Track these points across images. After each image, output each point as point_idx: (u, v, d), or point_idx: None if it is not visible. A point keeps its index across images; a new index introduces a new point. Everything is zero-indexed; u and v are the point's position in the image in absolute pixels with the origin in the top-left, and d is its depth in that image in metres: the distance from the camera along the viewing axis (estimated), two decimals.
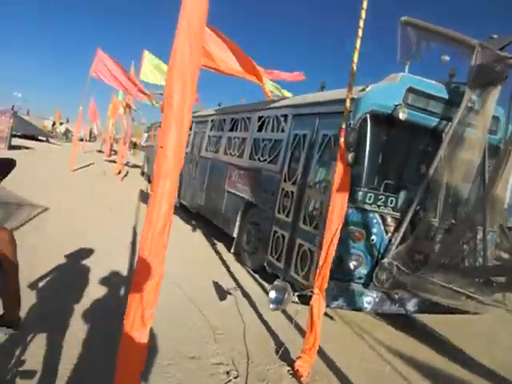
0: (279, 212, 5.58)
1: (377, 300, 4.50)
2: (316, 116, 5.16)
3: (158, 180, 1.96)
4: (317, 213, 4.77)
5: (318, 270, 3.53)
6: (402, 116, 4.37)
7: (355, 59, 3.44)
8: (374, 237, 4.54)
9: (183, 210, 10.51)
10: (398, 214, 4.60)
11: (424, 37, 4.99)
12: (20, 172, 11.64)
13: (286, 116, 5.94)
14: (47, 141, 30.66)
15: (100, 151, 30.39)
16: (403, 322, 5.09)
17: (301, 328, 4.20)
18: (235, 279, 5.84)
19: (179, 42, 1.91)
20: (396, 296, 4.59)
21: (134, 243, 6.51)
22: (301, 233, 5.01)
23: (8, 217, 6.78)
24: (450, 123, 4.55)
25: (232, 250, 7.11)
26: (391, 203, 4.63)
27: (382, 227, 4.55)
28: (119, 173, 16.90)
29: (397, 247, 4.43)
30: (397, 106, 4.47)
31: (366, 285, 4.54)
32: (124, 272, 5.23)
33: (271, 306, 3.63)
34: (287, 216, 5.37)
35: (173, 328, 3.99)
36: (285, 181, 5.58)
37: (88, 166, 18.06)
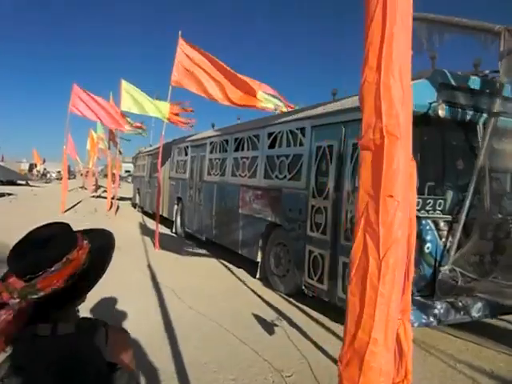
0: (312, 230, 5.25)
1: (442, 311, 4.18)
2: (340, 125, 4.88)
3: (386, 245, 1.57)
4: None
5: (401, 295, 3.19)
6: (441, 113, 4.12)
7: None
8: (428, 244, 4.25)
9: (190, 239, 10.10)
10: (449, 216, 4.33)
11: (436, 29, 4.81)
12: (11, 220, 11.02)
13: (303, 129, 5.65)
14: (27, 184, 29.79)
15: (82, 187, 29.63)
16: (465, 330, 4.78)
17: None
18: (273, 307, 5.45)
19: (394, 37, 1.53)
20: (460, 304, 4.29)
21: (158, 290, 6.07)
22: (344, 250, 4.67)
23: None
24: (487, 115, 4.33)
25: (257, 276, 6.73)
26: (439, 206, 4.36)
27: (436, 233, 4.26)
28: (110, 208, 16.34)
29: (455, 252, 4.15)
30: (431, 103, 4.22)
31: (427, 297, 4.24)
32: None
33: None
34: (323, 233, 5.04)
35: (227, 370, 3.61)
36: (313, 197, 5.27)
37: (76, 204, 17.42)
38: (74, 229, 1.20)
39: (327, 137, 5.12)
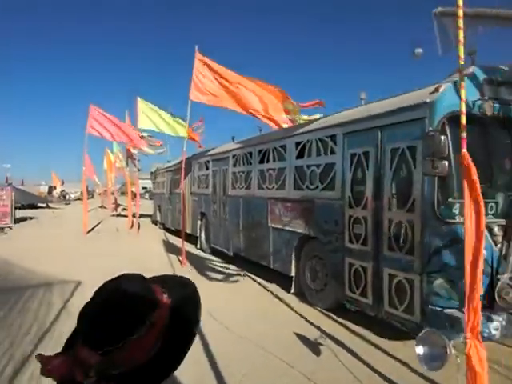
0: (351, 241, 5.01)
1: (504, 323, 3.88)
2: (376, 130, 4.66)
3: None
4: (407, 236, 4.20)
5: (467, 309, 2.94)
6: (489, 111, 3.88)
7: (461, 54, 2.96)
8: (484, 252, 3.97)
9: (216, 254, 9.92)
10: (503, 220, 4.06)
11: (466, 24, 4.58)
12: (34, 244, 10.98)
13: (333, 136, 5.44)
14: (47, 206, 30.08)
15: (102, 207, 29.79)
16: None
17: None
18: (313, 324, 5.20)
19: None
20: None
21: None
22: (389, 261, 4.43)
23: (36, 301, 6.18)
24: None
25: (292, 291, 6.49)
26: (491, 210, 4.10)
27: (490, 239, 3.99)
28: (132, 226, 16.29)
29: None
30: (475, 101, 3.99)
31: (484, 308, 3.95)
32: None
33: (425, 366, 2.98)
34: (364, 244, 4.80)
35: None
36: (350, 206, 5.04)
37: (97, 225, 17.46)
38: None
39: (362, 143, 4.90)
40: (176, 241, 13.00)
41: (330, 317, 5.50)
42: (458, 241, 3.88)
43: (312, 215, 5.86)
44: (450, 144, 3.85)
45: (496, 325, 3.84)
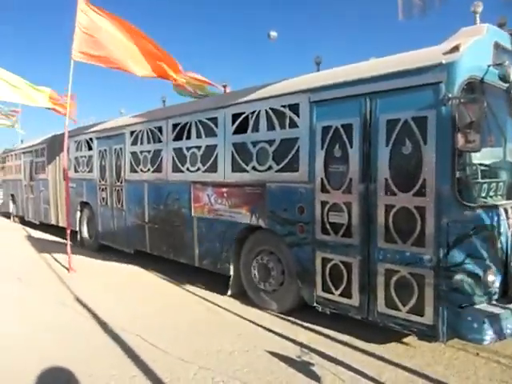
0: (326, 233, 4.17)
1: None
2: (363, 97, 3.83)
3: None
4: (415, 225, 3.50)
5: None
6: (510, 77, 3.33)
7: None
8: (502, 238, 3.49)
9: (108, 252, 8.23)
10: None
11: None
12: None
13: (295, 105, 4.47)
14: None
15: None
16: None
17: None
18: (278, 334, 4.27)
19: None
20: None
21: (109, 332, 4.43)
22: (386, 255, 3.70)
23: None
24: None
25: (229, 293, 5.43)
26: (499, 190, 3.64)
27: (507, 223, 3.51)
28: None
29: None
30: (492, 66, 3.43)
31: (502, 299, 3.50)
32: None
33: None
34: (346, 236, 4.00)
35: None
36: (324, 191, 4.18)
37: None
38: None
39: (340, 114, 4.03)
40: (46, 237, 10.72)
41: (293, 322, 4.61)
42: (482, 228, 3.32)
43: (262, 202, 4.85)
44: (474, 113, 3.22)
45: None
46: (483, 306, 3.34)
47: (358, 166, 3.88)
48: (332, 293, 4.18)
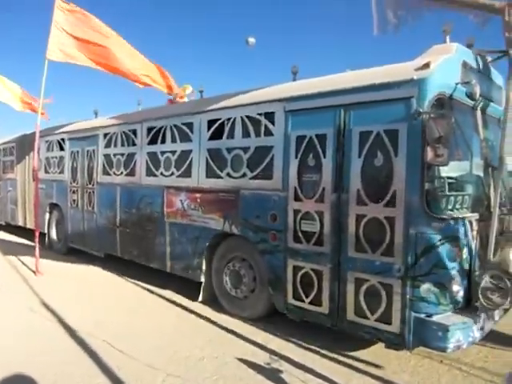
0: (298, 241, 4.22)
1: (483, 323, 3.59)
2: (338, 108, 3.91)
3: None
4: (384, 235, 3.58)
5: None
6: (476, 93, 3.47)
7: None
8: (466, 249, 3.61)
9: (76, 254, 8.07)
10: (477, 214, 3.77)
11: (407, 4, 4.19)
12: None
13: (270, 114, 4.51)
14: None
15: None
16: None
17: None
18: (248, 340, 4.28)
19: None
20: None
21: (76, 339, 4.34)
22: (356, 264, 3.77)
23: None
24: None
25: (200, 299, 5.40)
26: (465, 203, 3.76)
27: (471, 235, 3.64)
28: None
29: (494, 254, 3.57)
30: (459, 84, 3.56)
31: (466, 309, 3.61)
32: None
33: None
34: (317, 244, 4.06)
35: None
36: (297, 199, 4.23)
37: None
38: None
39: (315, 124, 4.09)
40: (13, 239, 10.41)
41: (263, 329, 4.62)
42: (449, 239, 3.43)
43: (234, 209, 4.86)
44: (441, 128, 3.34)
45: (479, 326, 3.54)
46: (448, 315, 3.44)
47: (331, 176, 3.95)
48: (302, 300, 4.22)
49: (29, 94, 9.74)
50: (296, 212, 4.23)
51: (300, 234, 4.20)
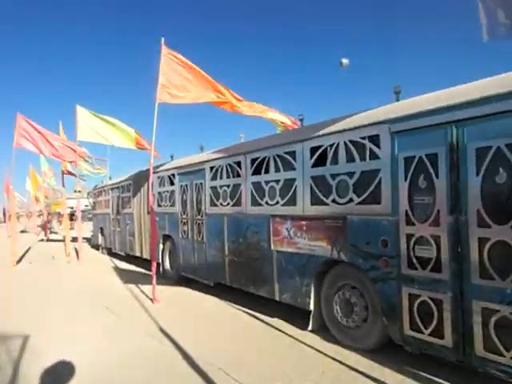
0: (413, 267, 3.98)
1: None
2: (450, 126, 3.69)
3: None
4: None
5: None
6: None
7: None
8: None
9: (187, 283, 8.47)
10: None
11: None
12: None
13: (375, 137, 4.41)
14: None
15: (24, 231, 26.56)
16: None
17: None
18: (363, 374, 4.08)
19: None
20: None
21: (198, 370, 4.50)
22: (482, 292, 3.44)
23: None
24: None
25: (310, 327, 5.32)
26: None
27: None
28: (69, 253, 14.17)
29: None
30: None
31: None
32: None
33: None
34: (435, 271, 3.79)
35: None
36: (409, 223, 4.02)
37: (26, 253, 15.10)
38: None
39: (424, 143, 3.90)
40: (132, 269, 11.31)
41: (380, 362, 4.38)
42: None
43: (342, 235, 4.77)
44: None
45: None
46: None
47: (446, 198, 3.70)
48: (421, 332, 3.94)
49: (141, 135, 10.82)
50: (409, 237, 4.02)
51: (414, 260, 3.97)
